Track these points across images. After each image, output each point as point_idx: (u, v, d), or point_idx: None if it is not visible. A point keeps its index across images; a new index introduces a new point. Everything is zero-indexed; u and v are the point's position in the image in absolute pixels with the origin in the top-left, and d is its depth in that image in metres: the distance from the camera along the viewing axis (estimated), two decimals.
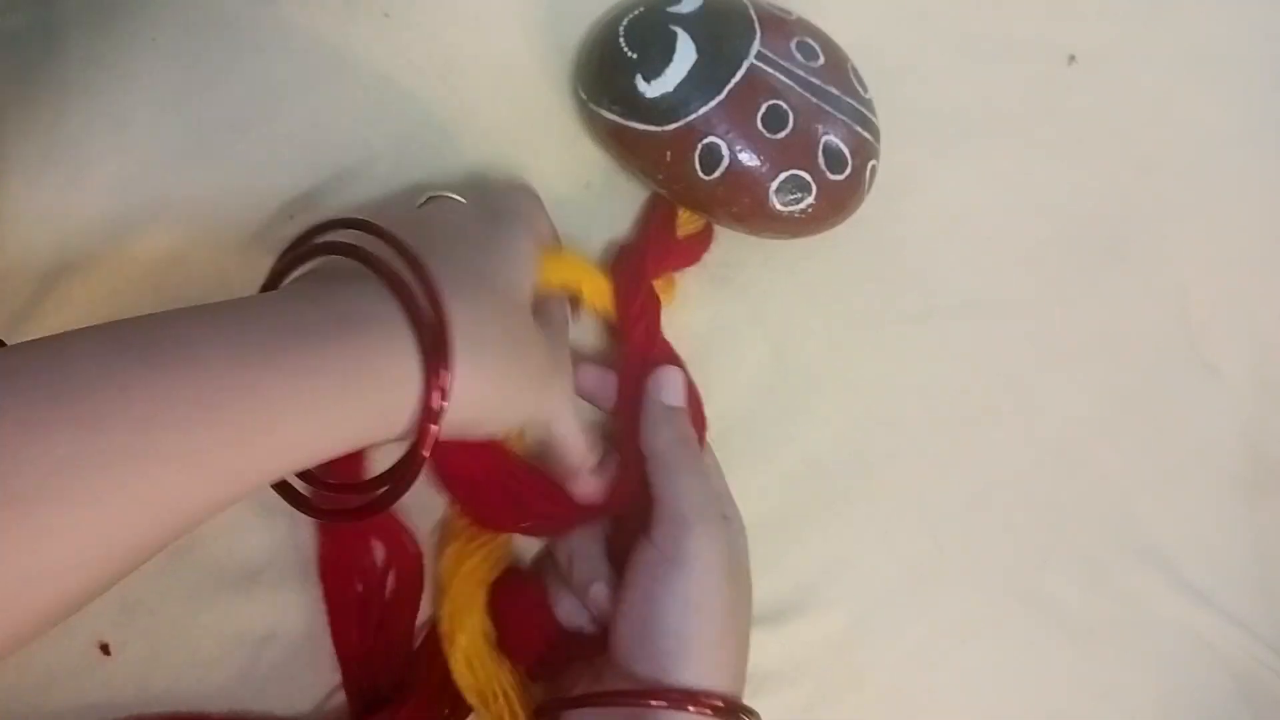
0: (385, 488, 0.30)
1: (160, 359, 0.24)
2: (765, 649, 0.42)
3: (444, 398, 0.28)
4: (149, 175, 0.41)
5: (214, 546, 0.38)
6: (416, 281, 0.29)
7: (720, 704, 0.33)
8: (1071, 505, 0.47)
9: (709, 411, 0.44)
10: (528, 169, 0.44)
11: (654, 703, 0.32)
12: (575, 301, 0.42)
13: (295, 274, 0.32)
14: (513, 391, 0.32)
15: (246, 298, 0.29)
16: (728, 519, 0.38)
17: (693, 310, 0.45)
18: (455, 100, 0.44)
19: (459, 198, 0.38)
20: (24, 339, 0.38)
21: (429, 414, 0.28)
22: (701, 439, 0.41)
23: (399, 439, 0.29)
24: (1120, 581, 0.47)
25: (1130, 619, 0.46)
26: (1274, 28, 0.54)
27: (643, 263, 0.42)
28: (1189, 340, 0.50)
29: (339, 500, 0.32)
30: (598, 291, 0.41)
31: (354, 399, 0.27)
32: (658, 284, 0.42)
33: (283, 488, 0.31)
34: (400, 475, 0.29)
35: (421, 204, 0.38)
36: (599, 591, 0.37)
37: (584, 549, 0.38)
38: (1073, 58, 0.52)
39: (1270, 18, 0.54)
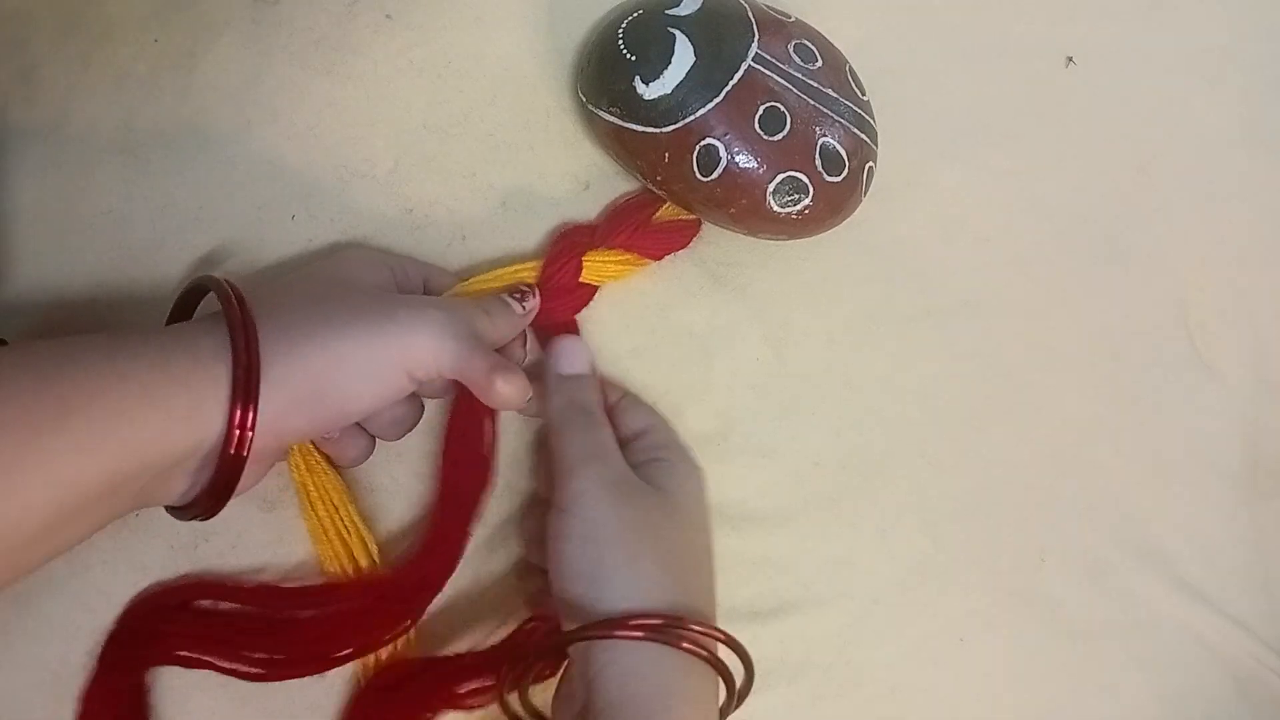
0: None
1: (6, 360, 0.29)
2: (765, 648, 0.42)
3: (252, 353, 0.31)
4: (150, 176, 0.41)
5: (218, 542, 0.38)
6: (231, 295, 0.32)
7: (647, 622, 0.32)
8: (1071, 505, 0.47)
9: (708, 411, 0.44)
10: (528, 169, 0.45)
11: (562, 640, 0.33)
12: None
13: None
14: (338, 333, 0.33)
15: (131, 330, 0.33)
16: (658, 461, 0.38)
17: (692, 310, 0.45)
18: (455, 100, 0.44)
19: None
20: (23, 339, 0.39)
21: (239, 367, 0.31)
22: None
23: (217, 438, 0.31)
24: (1120, 581, 0.47)
25: (1130, 619, 0.46)
26: (1274, 28, 0.54)
27: (590, 234, 0.43)
28: (1188, 340, 0.50)
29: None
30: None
31: (170, 374, 0.30)
32: (608, 259, 0.42)
33: None
34: (219, 470, 0.32)
35: None
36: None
37: (536, 516, 0.40)
38: (1071, 59, 0.52)
39: (1270, 18, 0.54)
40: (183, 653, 0.36)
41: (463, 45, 0.45)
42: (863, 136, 0.42)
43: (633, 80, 0.40)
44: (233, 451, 0.31)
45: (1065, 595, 0.46)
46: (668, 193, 0.43)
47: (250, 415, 0.31)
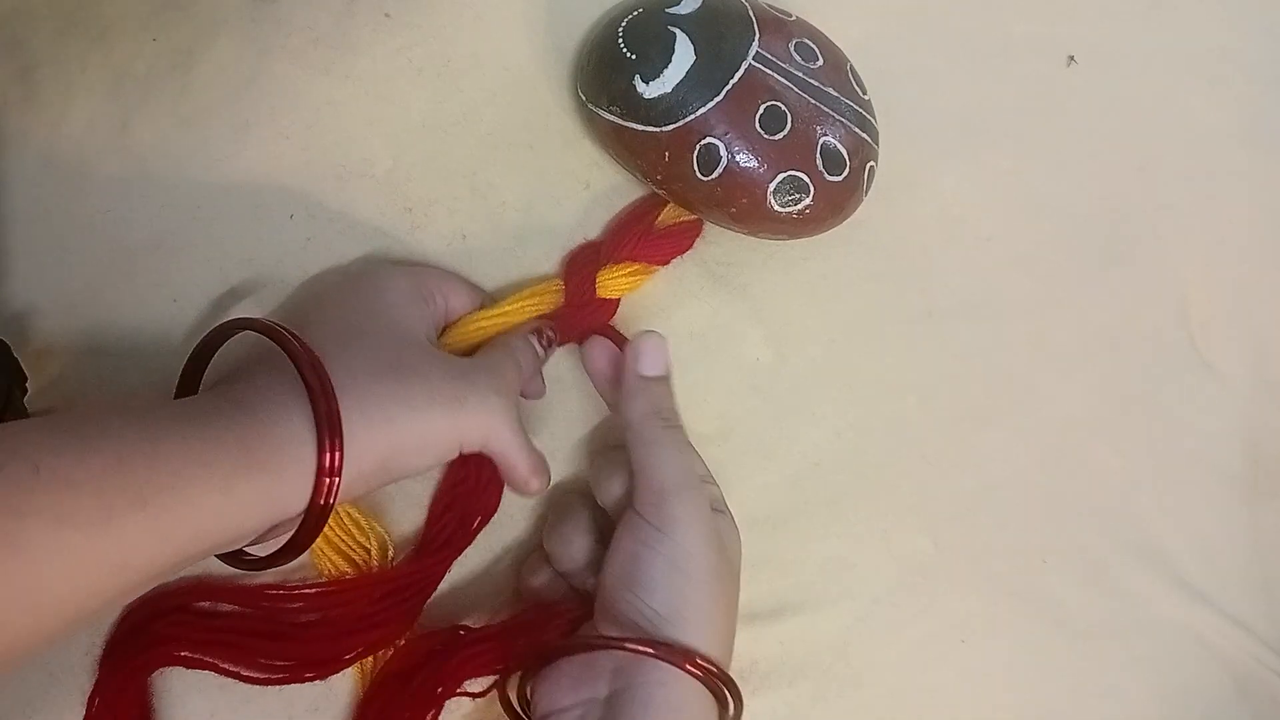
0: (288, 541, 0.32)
1: (79, 432, 0.27)
2: (765, 649, 0.42)
3: (337, 448, 0.31)
4: (149, 175, 0.41)
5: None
6: (304, 355, 0.32)
7: (714, 668, 0.33)
8: (1071, 505, 0.47)
9: (708, 411, 0.44)
10: (528, 168, 0.44)
11: (649, 651, 0.32)
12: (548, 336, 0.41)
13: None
14: (413, 415, 0.33)
15: (149, 396, 0.32)
16: (707, 485, 0.38)
17: (692, 310, 0.45)
18: (455, 100, 0.44)
19: None
20: (25, 339, 0.39)
21: (324, 461, 0.31)
22: None
23: (300, 510, 0.31)
24: (1120, 581, 0.47)
25: (1130, 619, 0.46)
26: (1274, 27, 0.54)
27: (596, 252, 0.43)
28: (1189, 340, 0.50)
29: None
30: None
31: (253, 463, 0.29)
32: (617, 271, 0.42)
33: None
34: (303, 529, 0.31)
35: None
36: (581, 548, 0.38)
37: (574, 539, 0.39)
38: (1072, 58, 0.52)
39: (1270, 17, 0.54)
40: (185, 654, 0.36)
41: (462, 44, 0.45)
42: (864, 136, 0.42)
43: (633, 79, 0.40)
44: (303, 541, 0.32)
45: (1066, 595, 0.46)
46: (668, 192, 0.42)
47: (329, 508, 0.31)
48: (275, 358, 0.32)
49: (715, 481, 0.40)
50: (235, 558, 0.33)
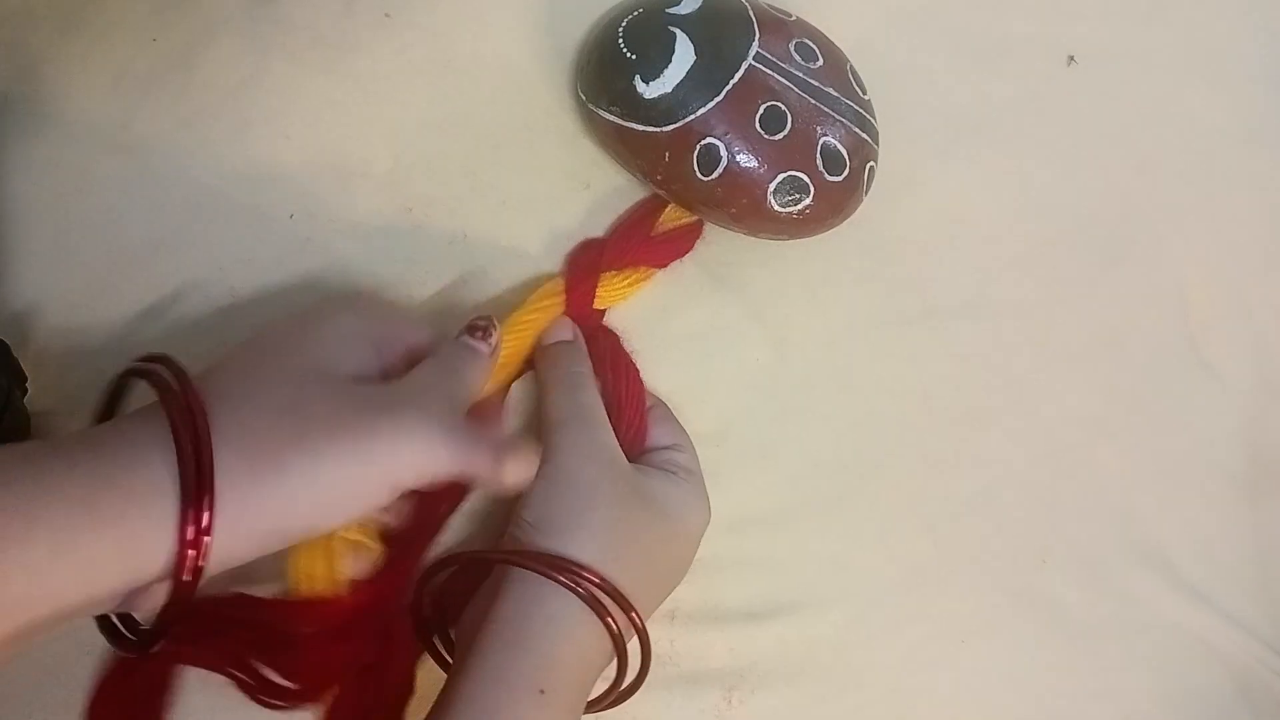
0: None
1: None
2: (765, 649, 0.42)
3: (206, 504, 0.26)
4: (149, 175, 0.41)
5: None
6: (176, 392, 0.27)
7: (577, 573, 0.33)
8: (1071, 505, 0.47)
9: (708, 411, 0.44)
10: (528, 168, 0.44)
11: (498, 559, 0.34)
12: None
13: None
14: (311, 461, 0.28)
15: (28, 443, 0.27)
16: (669, 475, 0.39)
17: (692, 310, 0.45)
18: (455, 100, 0.44)
19: None
20: (25, 339, 0.39)
21: (187, 532, 0.26)
22: (640, 421, 0.41)
23: (161, 575, 0.26)
24: (1120, 581, 0.46)
25: (1130, 619, 0.46)
26: (1274, 27, 0.54)
27: (600, 254, 0.43)
28: (1189, 340, 0.50)
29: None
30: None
31: (96, 518, 0.25)
32: (618, 279, 0.42)
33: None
34: (169, 603, 0.27)
35: None
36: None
37: None
38: (1072, 58, 0.52)
39: (1270, 17, 0.54)
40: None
41: (462, 44, 0.45)
42: (864, 136, 0.42)
43: (633, 79, 0.40)
44: (169, 618, 0.27)
45: (1066, 596, 0.46)
46: (668, 192, 0.42)
47: (196, 575, 0.26)
48: (149, 408, 0.28)
49: (691, 456, 0.41)
50: (108, 631, 0.30)
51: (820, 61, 0.42)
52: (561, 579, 0.33)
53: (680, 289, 0.45)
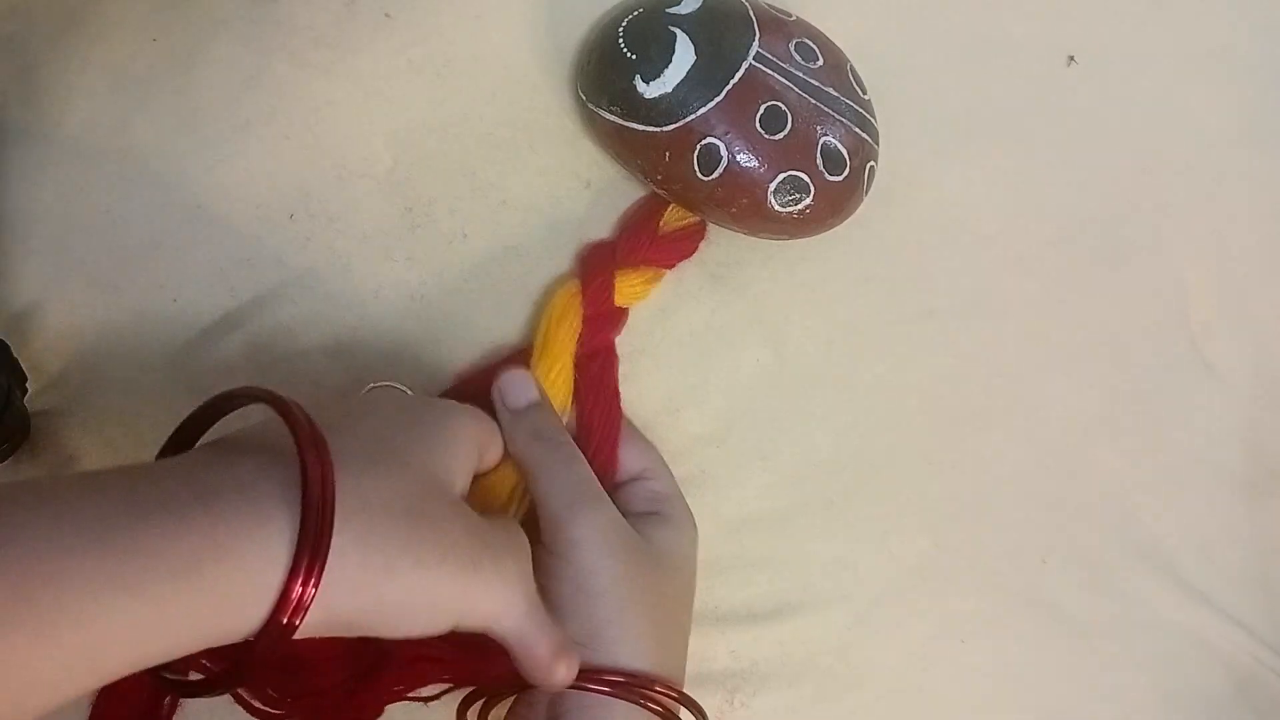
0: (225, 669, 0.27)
1: None
2: (765, 649, 0.42)
3: (313, 579, 0.25)
4: (149, 175, 0.41)
5: None
6: (311, 445, 0.26)
7: (616, 679, 0.33)
8: (1071, 505, 0.47)
9: (708, 411, 0.44)
10: (528, 168, 0.44)
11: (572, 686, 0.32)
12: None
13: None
14: (418, 573, 0.27)
15: (114, 469, 0.25)
16: (659, 517, 0.38)
17: (692, 310, 0.45)
18: (455, 100, 0.44)
19: (404, 389, 0.38)
20: (25, 339, 0.39)
21: (291, 593, 0.24)
22: (612, 445, 0.40)
23: (252, 634, 0.25)
24: (1120, 581, 0.47)
25: (1130, 619, 0.46)
26: (1274, 27, 0.54)
27: (611, 253, 0.42)
28: (1189, 340, 0.50)
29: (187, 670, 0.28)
30: None
31: (200, 583, 0.23)
32: (629, 274, 0.42)
33: None
34: (246, 659, 0.25)
35: (364, 392, 0.38)
36: None
37: None
38: (1072, 58, 0.52)
39: (1270, 17, 0.54)
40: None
41: (462, 44, 0.45)
42: (864, 136, 0.42)
43: (633, 79, 0.40)
44: (235, 680, 0.26)
45: (1066, 596, 0.46)
46: (668, 192, 0.42)
47: (280, 647, 0.25)
48: (269, 445, 0.27)
49: (664, 477, 0.40)
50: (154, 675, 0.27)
51: (820, 61, 0.42)
52: (639, 701, 0.33)
53: (680, 289, 0.45)
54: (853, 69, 0.44)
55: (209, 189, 0.41)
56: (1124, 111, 0.52)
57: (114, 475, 0.24)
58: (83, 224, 0.40)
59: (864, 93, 0.44)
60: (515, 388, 0.38)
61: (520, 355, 0.41)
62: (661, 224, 0.44)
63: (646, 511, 0.39)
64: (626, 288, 0.42)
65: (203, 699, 0.30)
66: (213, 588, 0.24)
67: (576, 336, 0.41)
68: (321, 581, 0.25)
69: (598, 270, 0.42)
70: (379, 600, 0.27)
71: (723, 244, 0.45)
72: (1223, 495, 0.49)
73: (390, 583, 0.27)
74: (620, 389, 0.42)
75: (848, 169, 0.41)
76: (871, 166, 0.43)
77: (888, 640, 0.44)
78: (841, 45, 0.44)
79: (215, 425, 0.29)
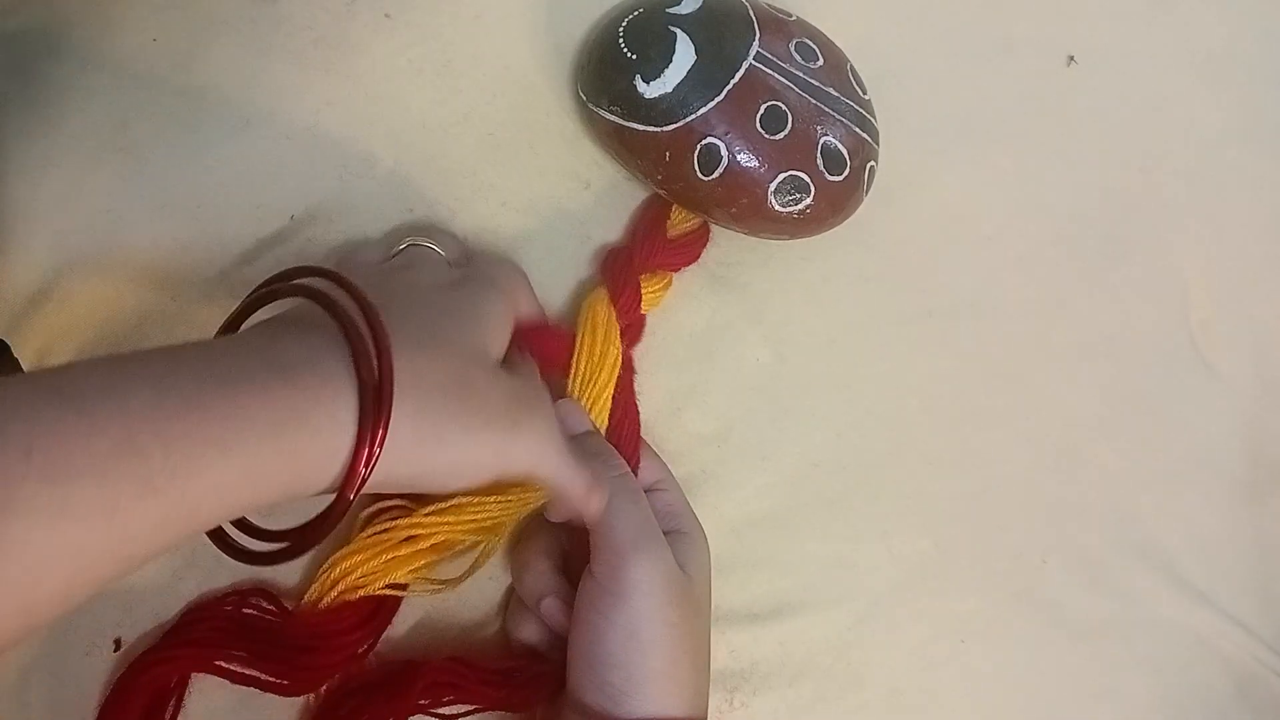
0: (299, 533, 0.30)
1: (80, 405, 0.23)
2: (765, 649, 0.42)
3: (377, 445, 0.27)
4: (149, 175, 0.41)
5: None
6: (368, 329, 0.29)
7: None
8: (1071, 505, 0.47)
9: (708, 411, 0.44)
10: (528, 168, 0.44)
11: None
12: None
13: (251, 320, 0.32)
14: (466, 438, 0.30)
15: (187, 344, 0.27)
16: (679, 535, 0.38)
17: (692, 310, 0.45)
18: (455, 100, 0.44)
19: (436, 248, 0.38)
20: (25, 339, 0.39)
21: (359, 461, 0.27)
22: (635, 459, 0.40)
23: (329, 490, 0.28)
24: (1120, 581, 0.47)
25: (1130, 619, 0.46)
26: (1274, 27, 0.54)
27: (630, 260, 0.42)
28: (1189, 340, 0.50)
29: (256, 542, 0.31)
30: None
31: (282, 445, 0.26)
32: (649, 281, 0.42)
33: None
34: (320, 522, 0.29)
35: (399, 250, 0.38)
36: (550, 606, 0.37)
37: (535, 563, 0.38)
38: (1072, 58, 0.52)
39: (1270, 18, 0.54)
40: (220, 663, 0.35)
41: (462, 44, 0.45)
42: (864, 136, 0.42)
43: (633, 79, 0.40)
44: (314, 537, 0.29)
45: (1066, 596, 0.46)
46: (668, 192, 0.42)
47: (350, 502, 0.28)
48: (329, 323, 0.29)
49: (676, 490, 0.40)
50: (230, 548, 0.31)
51: (820, 61, 0.42)
52: None
53: (680, 289, 0.45)
54: (853, 69, 0.44)
55: (209, 189, 0.41)
56: (1124, 111, 0.52)
57: (195, 350, 0.27)
58: (82, 224, 0.40)
59: (864, 93, 0.44)
60: (572, 416, 0.39)
61: (555, 335, 0.41)
62: (669, 227, 0.44)
63: (669, 530, 0.38)
64: (648, 295, 0.42)
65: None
66: (292, 449, 0.26)
67: (619, 350, 0.40)
68: (383, 447, 0.27)
69: (624, 279, 0.41)
70: (431, 463, 0.30)
71: (723, 244, 0.45)
72: (1223, 495, 0.49)
73: (444, 449, 0.30)
74: None
75: (848, 169, 0.41)
76: (871, 166, 0.43)
77: (888, 640, 0.44)
78: (841, 45, 0.44)
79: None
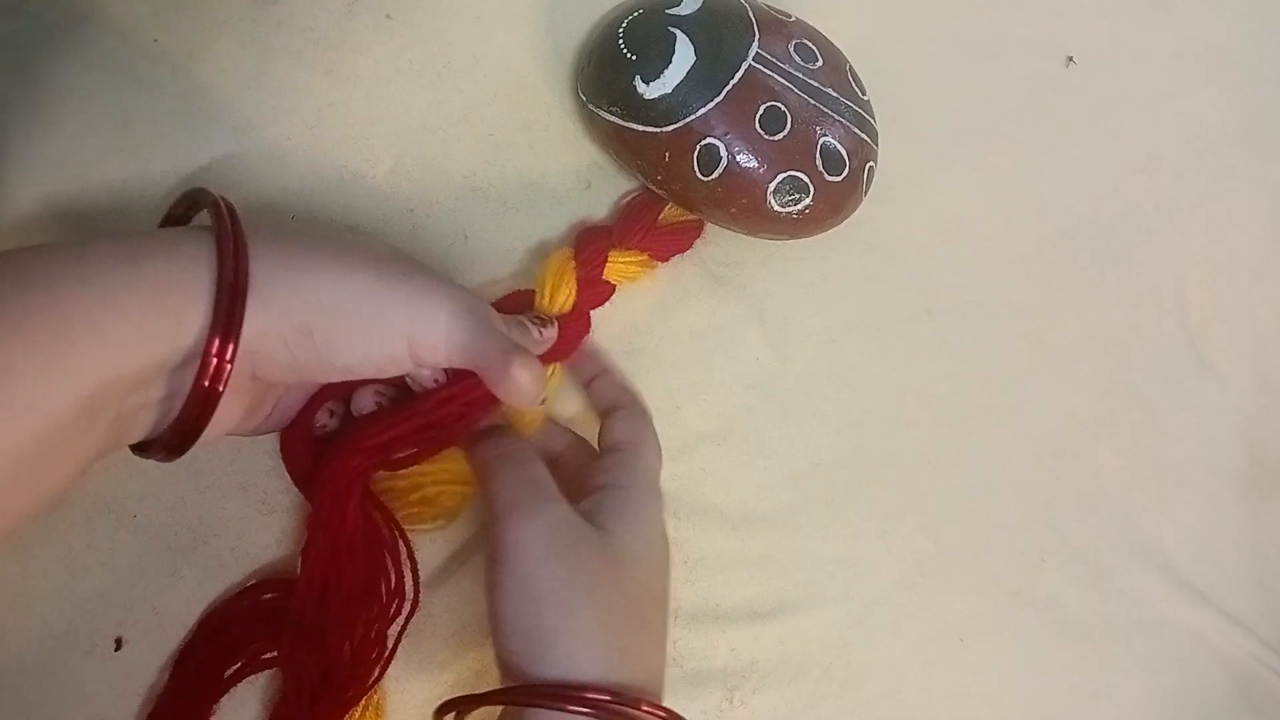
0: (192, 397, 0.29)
1: (17, 272, 0.26)
2: (765, 649, 0.42)
3: (241, 256, 0.29)
4: (149, 175, 0.41)
5: (218, 544, 0.38)
6: (224, 209, 0.30)
7: (593, 697, 0.30)
8: (1071, 505, 0.47)
9: (708, 411, 0.44)
10: (528, 169, 0.45)
11: (535, 704, 0.31)
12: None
13: None
14: (348, 281, 0.30)
15: (95, 238, 0.29)
16: (611, 490, 0.36)
17: (692, 309, 0.45)
18: (455, 100, 0.44)
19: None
20: None
21: (224, 278, 0.28)
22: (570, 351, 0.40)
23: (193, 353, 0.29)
24: (1120, 581, 0.47)
25: (1130, 619, 0.46)
26: (1273, 28, 0.54)
27: (607, 233, 0.42)
28: (1189, 340, 0.50)
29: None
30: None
31: (143, 273, 0.28)
32: (626, 259, 0.42)
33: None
34: (192, 398, 0.29)
35: None
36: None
37: None
38: (1072, 58, 0.52)
39: (1270, 18, 0.55)
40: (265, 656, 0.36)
41: (463, 45, 0.45)
42: (863, 136, 0.42)
43: (633, 80, 0.40)
44: (207, 383, 0.28)
45: (1065, 595, 0.46)
46: (668, 192, 0.42)
47: (231, 344, 0.28)
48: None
49: (635, 453, 0.38)
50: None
51: (820, 62, 0.42)
52: (581, 711, 0.30)
53: (680, 289, 0.45)
54: (852, 69, 0.44)
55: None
56: (1124, 111, 0.52)
57: (96, 240, 0.29)
58: (83, 224, 0.40)
59: (864, 93, 0.44)
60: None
61: (511, 299, 0.41)
62: (660, 218, 0.44)
63: (605, 486, 0.36)
64: (618, 265, 0.42)
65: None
66: (153, 280, 0.28)
67: (572, 290, 0.40)
68: (248, 271, 0.29)
69: (592, 243, 0.41)
70: (317, 303, 0.30)
71: (723, 244, 0.45)
72: (1223, 495, 0.49)
73: (318, 278, 0.30)
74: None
75: (847, 169, 0.41)
76: (871, 166, 0.43)
77: (888, 639, 0.44)
78: (841, 45, 0.44)
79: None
